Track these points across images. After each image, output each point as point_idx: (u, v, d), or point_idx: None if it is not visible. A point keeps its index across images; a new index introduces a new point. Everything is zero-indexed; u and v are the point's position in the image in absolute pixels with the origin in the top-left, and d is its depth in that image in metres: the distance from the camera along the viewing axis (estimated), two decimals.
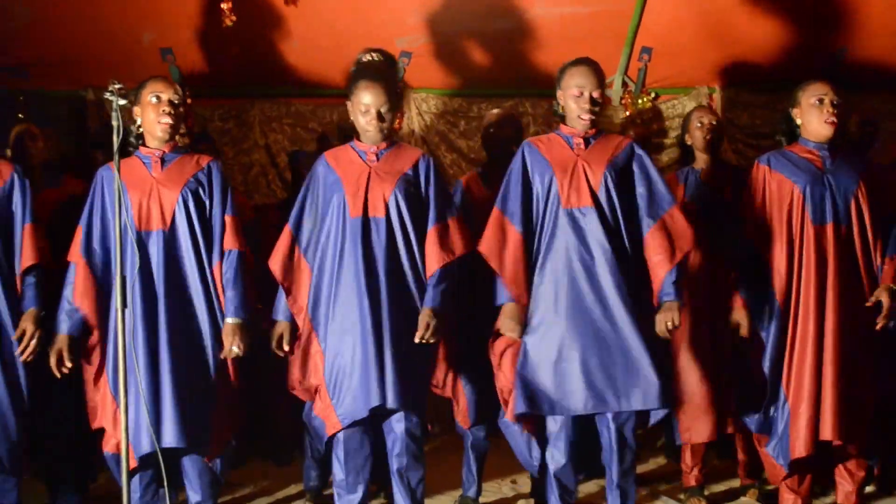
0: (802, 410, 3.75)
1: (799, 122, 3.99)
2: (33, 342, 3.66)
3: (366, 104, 3.72)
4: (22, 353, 3.66)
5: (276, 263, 3.80)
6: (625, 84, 6.57)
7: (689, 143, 4.73)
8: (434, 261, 3.71)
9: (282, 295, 3.83)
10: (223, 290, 3.72)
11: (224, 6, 5.34)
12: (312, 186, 3.86)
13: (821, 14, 6.14)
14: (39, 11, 5.65)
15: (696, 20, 6.14)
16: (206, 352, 3.72)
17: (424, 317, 3.66)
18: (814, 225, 3.82)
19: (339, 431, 3.65)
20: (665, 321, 3.62)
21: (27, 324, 3.68)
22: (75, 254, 3.68)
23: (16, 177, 3.85)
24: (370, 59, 3.94)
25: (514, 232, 3.71)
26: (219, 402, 3.74)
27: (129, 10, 5.69)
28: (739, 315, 3.92)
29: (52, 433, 4.37)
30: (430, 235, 3.74)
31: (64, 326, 3.63)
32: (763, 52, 6.40)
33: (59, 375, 3.62)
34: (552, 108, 3.97)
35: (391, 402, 3.56)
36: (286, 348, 3.80)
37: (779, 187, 3.90)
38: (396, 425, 3.70)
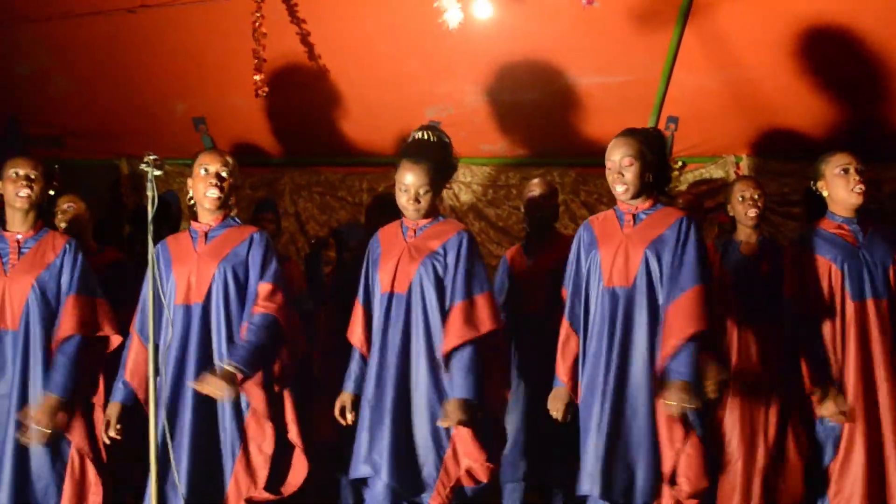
0: (855, 496, 3.66)
1: (825, 193, 3.97)
2: (44, 430, 3.67)
3: (406, 184, 3.82)
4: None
5: (355, 336, 3.93)
6: None
7: (731, 213, 4.69)
8: (453, 337, 3.67)
9: (350, 365, 3.94)
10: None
11: (257, 78, 5.40)
12: (365, 261, 4.00)
13: (849, 83, 6.16)
14: (75, 82, 5.77)
15: (722, 89, 6.17)
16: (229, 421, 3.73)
17: (451, 409, 3.62)
18: (853, 300, 3.78)
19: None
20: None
21: (41, 415, 3.69)
22: (133, 328, 3.80)
23: (68, 248, 3.93)
24: (421, 136, 4.03)
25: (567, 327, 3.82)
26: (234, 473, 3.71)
27: (163, 81, 5.81)
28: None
29: None
30: (452, 312, 3.72)
31: (117, 395, 3.74)
32: (790, 120, 6.40)
33: (106, 441, 3.69)
34: (579, 176, 4.02)
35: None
36: (349, 419, 3.85)
37: (814, 266, 3.86)
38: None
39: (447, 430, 3.66)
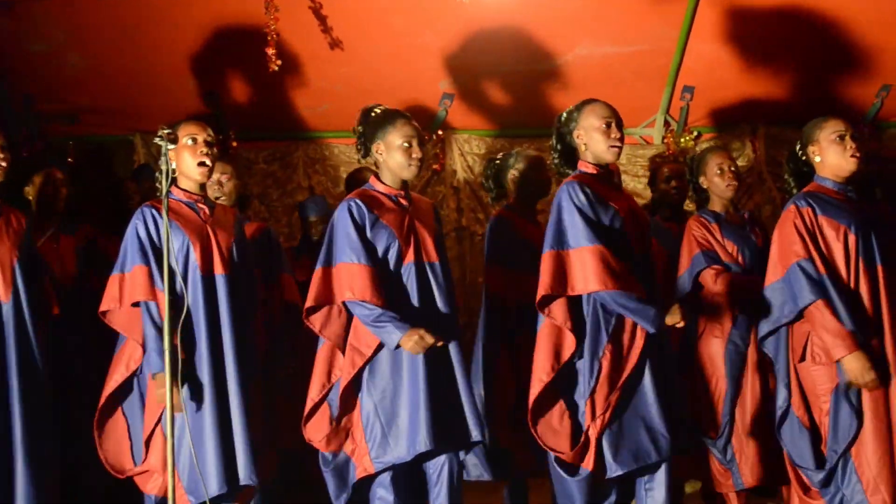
0: (872, 465, 3.61)
1: (817, 159, 3.88)
2: None
3: (408, 136, 3.64)
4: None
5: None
6: (667, 123, 6.56)
7: (704, 185, 4.55)
8: None
9: None
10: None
11: (269, 51, 5.41)
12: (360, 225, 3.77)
13: (864, 52, 6.13)
14: (89, 59, 5.78)
15: (737, 58, 6.15)
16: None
17: None
18: (866, 268, 3.71)
19: (384, 473, 3.58)
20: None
21: None
22: (141, 294, 3.54)
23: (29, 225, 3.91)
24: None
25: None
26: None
27: (176, 56, 5.82)
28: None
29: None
30: None
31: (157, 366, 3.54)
32: (806, 90, 6.40)
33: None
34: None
35: (476, 436, 3.58)
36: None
37: (829, 229, 3.75)
38: (444, 466, 3.65)
39: None
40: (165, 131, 3.24)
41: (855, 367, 3.58)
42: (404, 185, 3.77)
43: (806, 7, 5.82)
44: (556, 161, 3.88)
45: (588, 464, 3.59)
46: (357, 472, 3.59)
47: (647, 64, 6.18)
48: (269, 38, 5.43)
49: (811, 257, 3.69)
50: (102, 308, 3.63)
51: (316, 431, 3.66)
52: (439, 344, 3.47)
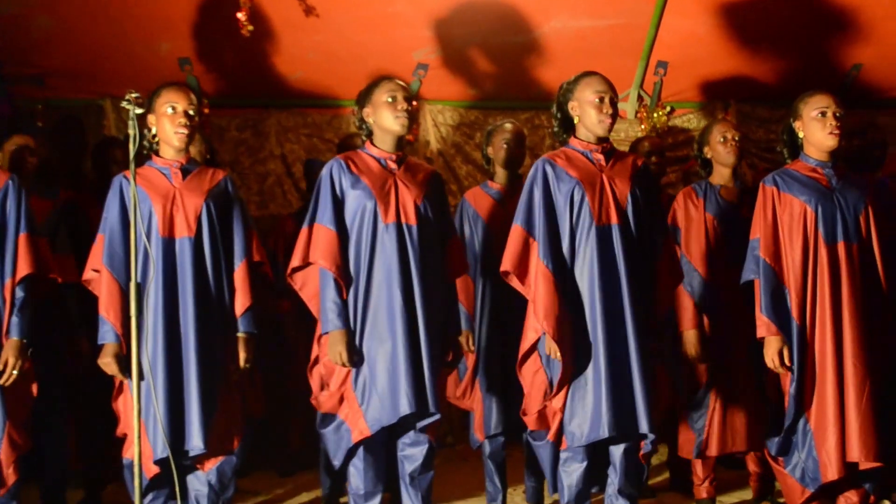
0: (829, 434, 3.68)
1: (801, 135, 3.94)
2: (15, 373, 3.66)
3: (394, 91, 3.71)
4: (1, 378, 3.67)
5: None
6: (640, 98, 6.59)
7: (708, 156, 4.64)
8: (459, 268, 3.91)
9: None
10: (237, 302, 3.74)
11: (240, 16, 5.39)
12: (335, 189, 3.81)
13: (836, 31, 6.19)
14: (59, 22, 5.73)
15: (712, 34, 6.19)
16: (218, 359, 3.72)
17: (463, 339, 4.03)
18: (826, 244, 3.77)
19: (363, 440, 3.63)
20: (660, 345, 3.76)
21: (9, 355, 3.67)
22: (98, 263, 3.65)
23: (10, 185, 3.82)
24: None
25: (543, 266, 3.64)
26: (222, 411, 3.72)
27: (147, 21, 5.77)
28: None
29: (54, 441, 4.42)
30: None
31: (109, 336, 3.60)
32: (778, 67, 6.45)
33: (123, 378, 3.62)
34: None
35: (432, 408, 3.59)
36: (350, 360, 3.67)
37: (789, 207, 3.84)
38: (418, 434, 3.71)
39: None
40: (133, 95, 3.25)
41: (769, 351, 3.75)
42: (399, 147, 3.80)
43: None
44: (556, 129, 3.89)
45: (551, 434, 3.65)
46: (354, 435, 3.64)
47: (621, 38, 6.19)
48: (241, 3, 5.43)
49: (759, 239, 3.83)
50: (84, 277, 3.75)
51: (315, 396, 3.77)
52: (347, 365, 3.61)
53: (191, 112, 3.72)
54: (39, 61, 5.99)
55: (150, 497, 3.68)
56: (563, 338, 3.56)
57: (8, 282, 3.73)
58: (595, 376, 3.55)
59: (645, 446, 3.65)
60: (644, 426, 3.53)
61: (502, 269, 3.69)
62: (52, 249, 4.13)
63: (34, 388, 3.78)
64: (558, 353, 3.56)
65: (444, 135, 6.64)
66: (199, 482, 3.75)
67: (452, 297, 3.89)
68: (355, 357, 3.62)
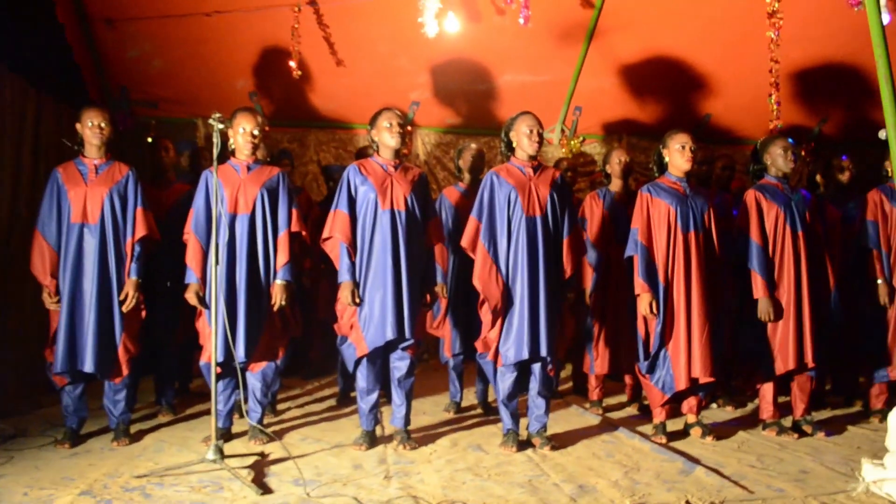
0: (680, 358, 3.73)
1: (667, 159, 3.94)
2: (133, 302, 3.65)
3: (392, 122, 3.67)
4: (122, 305, 3.66)
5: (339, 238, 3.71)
6: (563, 131, 6.60)
7: (608, 171, 4.67)
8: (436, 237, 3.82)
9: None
10: (278, 258, 3.70)
11: (292, 64, 5.37)
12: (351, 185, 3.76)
13: (696, 89, 6.22)
14: (167, 64, 5.68)
15: (612, 89, 6.20)
16: (264, 298, 3.70)
17: (439, 289, 4.02)
18: (682, 232, 3.79)
19: (365, 355, 3.63)
20: (568, 298, 3.74)
21: (129, 289, 3.66)
22: (189, 229, 3.66)
23: (130, 174, 3.78)
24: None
25: (482, 244, 3.65)
26: (267, 333, 3.72)
27: (228, 66, 5.74)
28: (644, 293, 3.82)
29: (163, 349, 4.40)
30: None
31: (192, 278, 3.61)
32: (656, 113, 6.47)
33: (201, 308, 3.62)
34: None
35: (408, 335, 3.58)
36: (359, 300, 3.62)
37: (658, 207, 3.85)
38: (403, 351, 3.69)
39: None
40: (217, 115, 3.23)
41: (642, 303, 3.77)
42: (396, 157, 3.75)
43: (658, 57, 5.88)
44: (502, 150, 3.85)
45: (490, 355, 3.67)
46: (358, 352, 3.63)
47: (551, 89, 6.19)
48: (292, 56, 5.38)
49: (638, 228, 3.84)
50: (184, 239, 3.71)
51: (337, 324, 3.74)
52: (358, 301, 3.59)
53: (255, 132, 3.73)
54: (153, 91, 5.94)
55: (220, 386, 3.69)
56: (492, 292, 3.58)
57: (129, 240, 3.72)
58: (519, 318, 3.56)
59: (550, 364, 3.65)
60: (544, 351, 3.54)
61: (461, 244, 3.71)
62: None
63: (143, 313, 3.77)
64: (491, 302, 3.60)
65: (429, 150, 6.62)
66: (253, 379, 3.77)
67: (431, 260, 3.84)
68: (358, 299, 3.62)
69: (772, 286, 3.88)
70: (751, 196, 3.97)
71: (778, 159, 4.01)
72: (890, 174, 4.40)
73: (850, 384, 4.88)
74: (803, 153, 6.73)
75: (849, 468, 3.24)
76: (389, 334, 3.54)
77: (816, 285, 3.92)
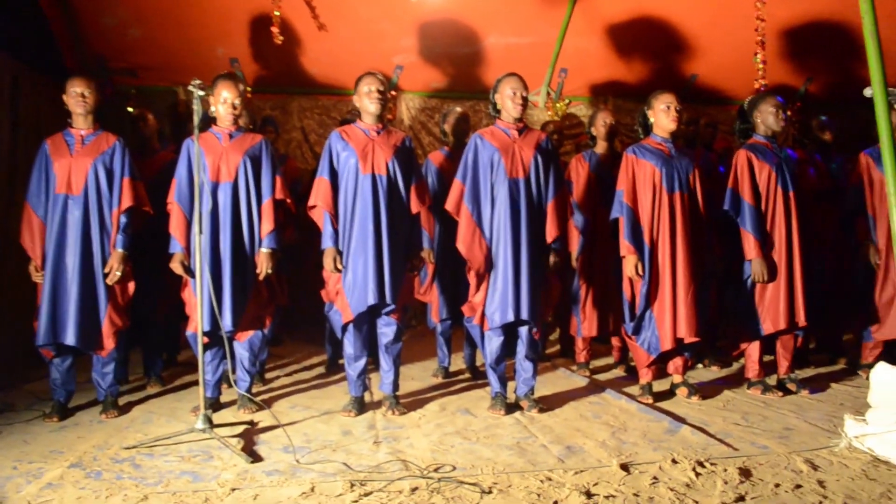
0: (666, 319, 3.75)
1: (652, 120, 3.92)
2: (118, 274, 3.60)
3: (372, 88, 3.63)
4: (106, 278, 3.62)
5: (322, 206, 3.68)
6: (548, 93, 6.54)
7: (594, 133, 4.65)
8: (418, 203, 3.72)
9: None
10: (262, 226, 3.67)
11: (274, 29, 5.28)
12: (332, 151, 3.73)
13: (682, 50, 6.17)
14: (146, 31, 5.57)
15: (598, 50, 6.14)
16: (249, 266, 3.66)
17: (426, 254, 4.01)
18: (667, 193, 3.78)
19: (350, 321, 3.62)
20: (553, 261, 3.66)
21: (114, 262, 3.61)
22: (171, 199, 3.61)
23: (117, 144, 3.72)
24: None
25: (465, 207, 3.63)
26: (253, 302, 3.70)
27: (209, 31, 5.62)
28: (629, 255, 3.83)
29: (149, 321, 4.36)
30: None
31: (177, 247, 3.57)
32: (642, 74, 6.42)
33: (187, 277, 3.58)
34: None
35: (389, 300, 3.55)
36: (340, 267, 3.60)
37: (643, 168, 3.84)
38: (388, 317, 3.70)
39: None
40: (197, 83, 3.17)
41: (628, 265, 3.78)
42: (379, 121, 3.71)
43: (644, 17, 5.81)
44: (490, 111, 3.80)
45: (476, 319, 3.67)
46: (343, 318, 3.61)
47: (536, 51, 6.12)
48: (274, 20, 5.29)
49: (623, 190, 3.83)
50: (167, 209, 3.66)
51: (325, 292, 3.73)
52: (339, 267, 3.57)
53: (236, 102, 3.67)
54: (132, 59, 5.83)
55: (208, 356, 3.69)
56: (475, 256, 3.58)
57: (115, 211, 3.66)
58: (503, 280, 3.55)
59: (535, 328, 3.64)
60: (525, 314, 3.53)
61: (446, 207, 3.69)
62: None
63: (131, 286, 3.73)
64: (475, 266, 3.59)
65: (414, 115, 6.55)
66: (241, 348, 3.75)
67: (417, 225, 3.79)
68: (340, 266, 3.59)
69: (765, 246, 3.88)
70: (742, 156, 3.95)
71: (769, 118, 3.98)
72: None
73: (834, 342, 4.94)
74: (789, 113, 6.72)
75: (832, 424, 3.29)
76: (371, 299, 3.52)
77: (808, 245, 3.93)
